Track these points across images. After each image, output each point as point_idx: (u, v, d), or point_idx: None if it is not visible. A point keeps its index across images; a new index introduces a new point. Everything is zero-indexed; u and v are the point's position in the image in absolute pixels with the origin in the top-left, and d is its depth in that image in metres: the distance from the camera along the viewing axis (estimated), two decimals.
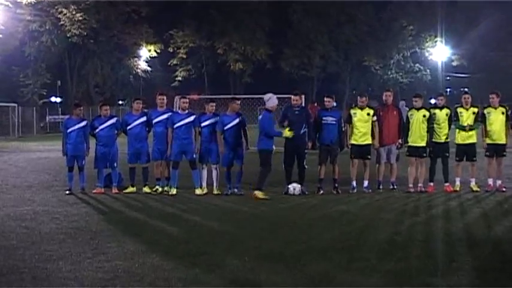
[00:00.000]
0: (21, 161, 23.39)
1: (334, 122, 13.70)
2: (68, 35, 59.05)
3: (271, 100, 13.30)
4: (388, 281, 6.72)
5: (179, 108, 14.24)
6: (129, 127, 14.14)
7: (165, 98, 14.53)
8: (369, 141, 13.82)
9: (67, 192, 13.84)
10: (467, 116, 13.85)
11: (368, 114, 13.79)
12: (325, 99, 14.10)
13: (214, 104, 14.11)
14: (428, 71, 74.29)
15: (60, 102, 66.34)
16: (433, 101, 47.85)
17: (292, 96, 14.03)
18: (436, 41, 70.94)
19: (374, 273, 7.06)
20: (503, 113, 13.86)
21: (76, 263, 7.60)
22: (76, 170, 14.29)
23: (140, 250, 8.29)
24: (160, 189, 13.95)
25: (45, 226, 10.06)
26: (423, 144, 13.79)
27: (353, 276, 6.94)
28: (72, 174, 14.21)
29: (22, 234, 9.40)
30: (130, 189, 14.06)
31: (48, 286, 6.67)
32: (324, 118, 13.74)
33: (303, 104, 14.89)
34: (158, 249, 8.34)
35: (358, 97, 14.35)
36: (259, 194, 12.90)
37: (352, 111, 14.01)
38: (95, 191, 13.95)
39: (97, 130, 14.17)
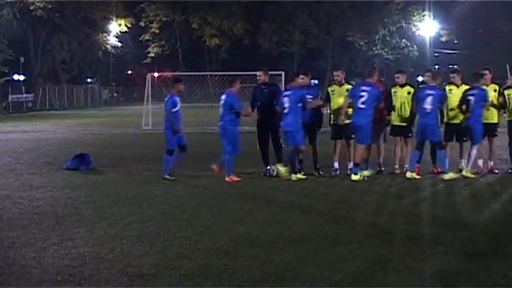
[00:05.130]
0: None
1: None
2: (31, 8, 58.32)
3: None
4: (371, 265, 6.76)
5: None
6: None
7: None
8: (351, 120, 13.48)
9: (173, 178, 13.17)
10: (458, 94, 13.53)
11: (347, 90, 13.56)
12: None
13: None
14: (415, 47, 74.61)
15: (24, 80, 65.64)
16: (420, 78, 48.30)
17: (257, 72, 14.02)
18: (423, 15, 71.18)
19: (356, 257, 7.09)
20: (495, 90, 13.74)
21: (41, 250, 7.56)
22: None
23: (110, 235, 8.28)
24: None
25: (7, 211, 9.99)
26: (407, 123, 13.73)
27: (333, 261, 6.95)
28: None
29: None
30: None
31: (10, 274, 6.61)
32: None
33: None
34: (129, 234, 8.33)
35: (334, 72, 14.30)
36: None
37: (329, 89, 13.95)
38: (234, 177, 13.08)
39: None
